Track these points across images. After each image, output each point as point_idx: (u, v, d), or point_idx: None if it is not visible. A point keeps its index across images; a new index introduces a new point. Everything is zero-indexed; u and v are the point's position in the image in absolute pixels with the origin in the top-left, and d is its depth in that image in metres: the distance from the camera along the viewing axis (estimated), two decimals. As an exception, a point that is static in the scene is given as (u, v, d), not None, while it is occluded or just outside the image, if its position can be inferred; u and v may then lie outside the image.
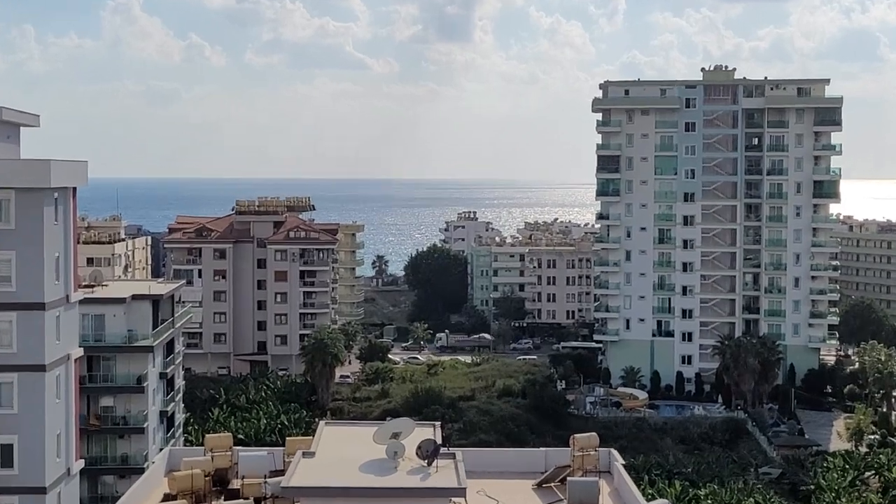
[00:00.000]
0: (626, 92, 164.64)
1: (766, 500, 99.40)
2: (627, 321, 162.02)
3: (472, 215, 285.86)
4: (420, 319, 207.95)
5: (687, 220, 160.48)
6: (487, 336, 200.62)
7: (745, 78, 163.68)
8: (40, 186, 55.05)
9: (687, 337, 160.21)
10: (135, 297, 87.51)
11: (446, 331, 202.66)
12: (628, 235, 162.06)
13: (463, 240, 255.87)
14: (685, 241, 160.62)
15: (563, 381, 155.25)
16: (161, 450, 65.92)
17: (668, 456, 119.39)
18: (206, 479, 34.97)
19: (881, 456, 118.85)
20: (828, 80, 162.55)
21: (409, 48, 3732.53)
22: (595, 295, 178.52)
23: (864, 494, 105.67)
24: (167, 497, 34.05)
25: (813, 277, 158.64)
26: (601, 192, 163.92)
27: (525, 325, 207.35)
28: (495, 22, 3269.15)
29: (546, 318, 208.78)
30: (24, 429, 55.14)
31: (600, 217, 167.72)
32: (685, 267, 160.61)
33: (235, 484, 34.94)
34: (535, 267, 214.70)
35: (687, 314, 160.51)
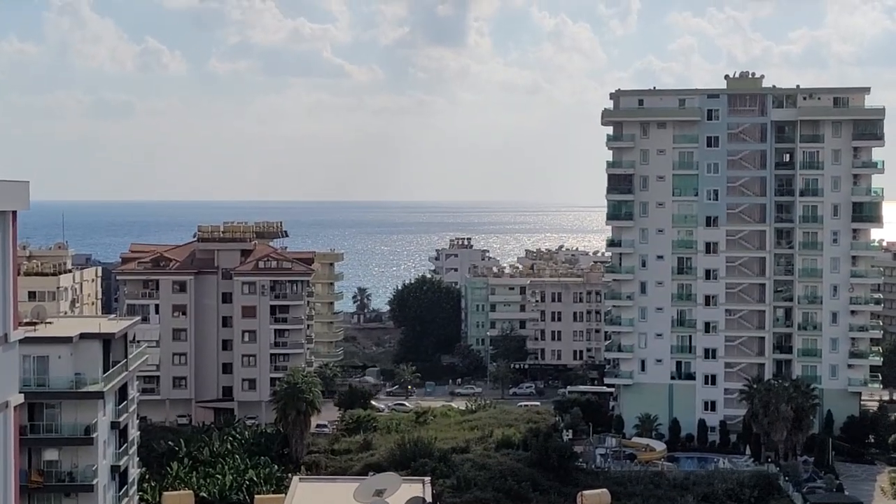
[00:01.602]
0: (641, 102, 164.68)
1: None
2: (643, 362, 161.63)
3: (466, 242, 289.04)
4: (407, 361, 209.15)
5: (709, 248, 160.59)
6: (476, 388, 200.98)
7: (774, 86, 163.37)
8: None
9: (710, 380, 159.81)
10: (83, 336, 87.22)
11: (433, 383, 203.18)
12: (643, 265, 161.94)
13: (456, 270, 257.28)
14: (707, 272, 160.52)
15: (571, 431, 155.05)
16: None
17: None
18: None
19: None
20: (868, 89, 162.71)
21: (395, 53, 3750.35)
22: (606, 332, 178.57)
23: None
24: None
25: (853, 312, 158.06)
26: (612, 216, 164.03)
27: (527, 366, 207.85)
28: (493, 23, 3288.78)
29: (550, 358, 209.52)
30: None
31: (611, 244, 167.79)
32: (708, 300, 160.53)
33: None
34: (537, 301, 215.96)
35: (710, 354, 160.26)
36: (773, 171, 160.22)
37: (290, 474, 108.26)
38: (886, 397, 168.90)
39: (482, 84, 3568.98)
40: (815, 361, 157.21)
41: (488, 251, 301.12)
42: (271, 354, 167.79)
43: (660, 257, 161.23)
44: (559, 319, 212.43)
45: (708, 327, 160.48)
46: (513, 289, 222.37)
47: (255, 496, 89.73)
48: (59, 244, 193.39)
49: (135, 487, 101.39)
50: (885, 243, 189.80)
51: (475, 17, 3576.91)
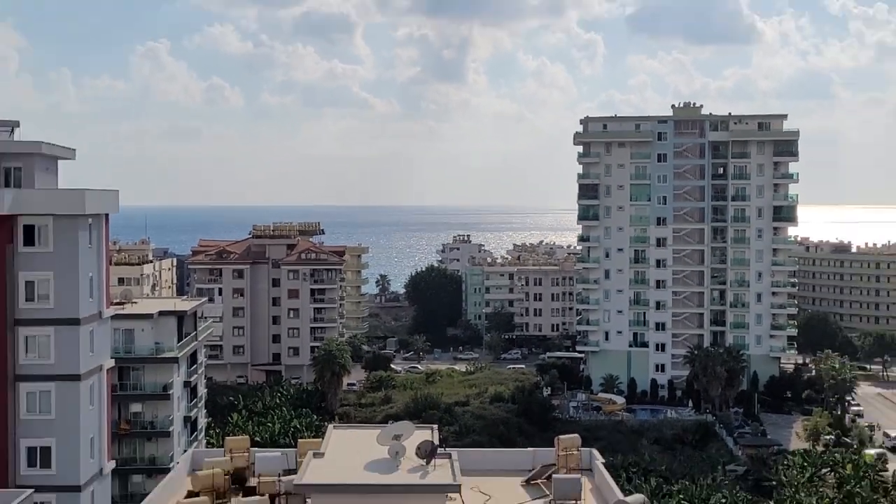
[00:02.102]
0: (605, 126, 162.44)
1: (733, 496, 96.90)
2: (606, 333, 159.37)
3: (465, 238, 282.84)
4: (419, 332, 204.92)
5: (659, 242, 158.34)
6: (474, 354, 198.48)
7: (711, 114, 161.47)
8: (76, 213, 54.03)
9: (660, 347, 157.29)
10: (161, 314, 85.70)
11: (440, 350, 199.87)
12: (607, 256, 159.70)
13: (458, 260, 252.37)
14: (658, 261, 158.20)
15: (549, 388, 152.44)
16: (185, 451, 64.29)
17: (643, 455, 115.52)
18: (226, 477, 33.97)
19: (836, 454, 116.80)
20: (785, 116, 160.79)
21: (410, 89, 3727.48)
22: (577, 310, 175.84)
23: (820, 489, 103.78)
24: (190, 494, 33.14)
25: (773, 293, 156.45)
26: (582, 217, 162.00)
27: (514, 337, 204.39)
28: (487, 65, 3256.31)
29: (533, 330, 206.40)
30: (61, 433, 53.86)
31: (581, 239, 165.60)
32: (658, 284, 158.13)
33: (252, 482, 34.04)
34: (523, 285, 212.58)
35: (660, 327, 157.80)
36: (710, 181, 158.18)
37: (326, 423, 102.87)
38: (800, 361, 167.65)
39: (479, 114, 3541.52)
40: (744, 332, 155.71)
41: (484, 245, 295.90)
42: (311, 328, 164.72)
43: (620, 250, 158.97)
44: (540, 299, 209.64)
45: (658, 305, 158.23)
46: (503, 275, 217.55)
47: (298, 440, 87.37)
48: (142, 240, 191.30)
49: (202, 434, 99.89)
50: (799, 238, 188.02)
51: (473, 60, 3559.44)
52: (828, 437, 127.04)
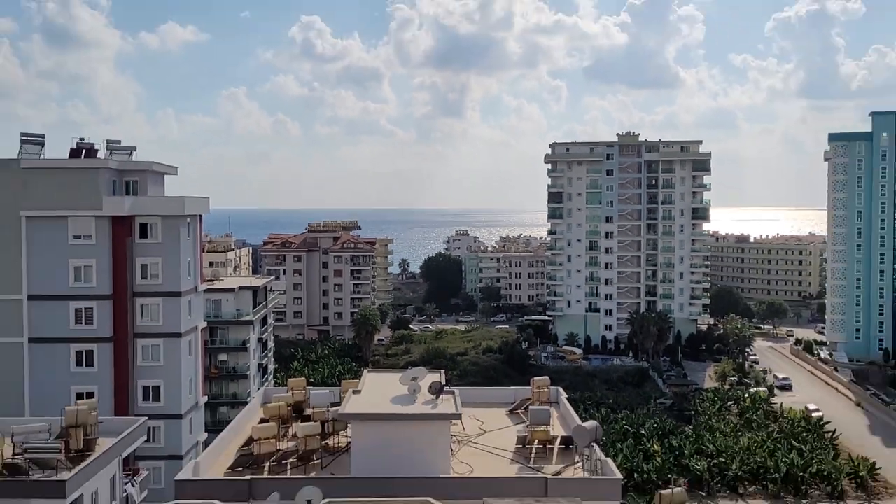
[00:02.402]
0: (567, 150, 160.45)
1: (661, 422, 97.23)
2: (569, 302, 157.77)
3: (465, 232, 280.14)
4: (430, 302, 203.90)
5: (607, 235, 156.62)
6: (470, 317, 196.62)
7: (646, 140, 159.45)
8: (177, 214, 53.94)
9: (608, 312, 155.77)
10: (241, 288, 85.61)
11: (446, 315, 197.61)
12: (569, 245, 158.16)
13: (459, 248, 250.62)
14: (606, 249, 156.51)
15: (527, 343, 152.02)
16: (258, 389, 65.82)
17: (596, 392, 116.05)
18: (288, 408, 33.82)
19: (738, 391, 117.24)
20: (701, 141, 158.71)
21: (423, 122, 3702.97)
22: (547, 285, 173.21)
23: (727, 417, 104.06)
24: (262, 421, 32.89)
25: (692, 272, 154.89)
26: (551, 216, 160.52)
27: (501, 305, 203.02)
28: (481, 104, 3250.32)
29: (514, 300, 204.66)
30: (167, 375, 53.91)
31: (550, 233, 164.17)
32: (607, 266, 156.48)
33: (308, 412, 33.72)
34: (507, 266, 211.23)
35: (608, 297, 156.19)
36: (646, 189, 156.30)
37: (362, 368, 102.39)
38: (712, 322, 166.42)
39: (474, 141, 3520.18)
40: (670, 301, 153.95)
41: (478, 237, 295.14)
42: (351, 298, 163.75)
43: (578, 241, 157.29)
44: (520, 277, 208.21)
45: (607, 281, 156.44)
46: (493, 260, 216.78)
47: (342, 381, 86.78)
48: (226, 234, 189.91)
49: (271, 376, 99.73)
50: (711, 232, 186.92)
51: (470, 100, 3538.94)
52: (732, 378, 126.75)
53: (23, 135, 53.19)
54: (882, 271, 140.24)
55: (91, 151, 55.06)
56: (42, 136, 53.77)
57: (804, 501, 78.02)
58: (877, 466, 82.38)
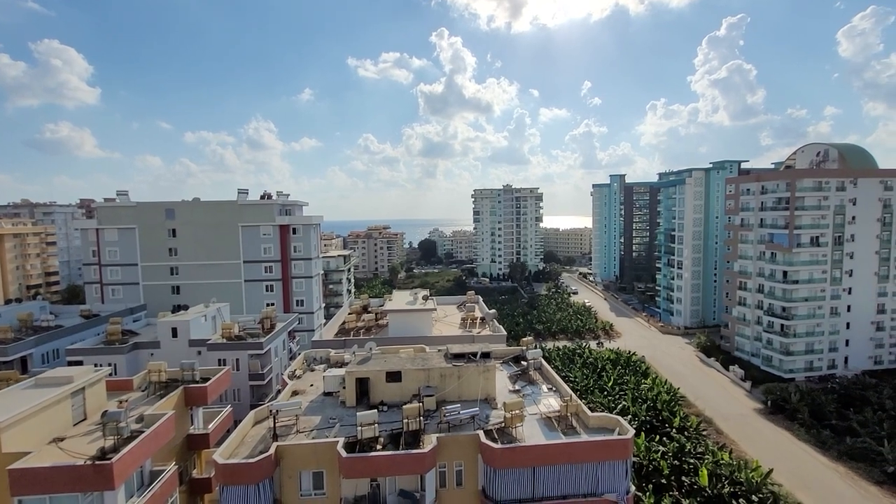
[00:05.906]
0: (481, 191, 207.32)
1: (523, 308, 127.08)
2: (482, 258, 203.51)
3: (437, 230, 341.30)
4: (423, 260, 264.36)
5: (499, 228, 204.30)
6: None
7: (515, 187, 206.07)
8: (310, 223, 76.87)
9: (499, 262, 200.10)
10: (338, 255, 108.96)
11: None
12: (483, 233, 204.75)
13: (435, 235, 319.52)
14: (498, 233, 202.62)
15: (465, 277, 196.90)
16: (347, 299, 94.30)
17: (494, 298, 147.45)
18: (361, 307, 50.70)
19: (555, 295, 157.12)
20: (539, 188, 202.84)
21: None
22: (473, 249, 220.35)
23: (550, 306, 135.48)
24: (350, 313, 50.63)
25: (536, 245, 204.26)
26: (475, 221, 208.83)
27: (453, 260, 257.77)
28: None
29: (459, 258, 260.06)
30: (307, 295, 74.79)
31: (474, 228, 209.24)
32: (498, 241, 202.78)
33: (370, 309, 51.02)
34: (457, 243, 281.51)
35: (499, 254, 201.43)
36: (514, 209, 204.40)
37: (392, 290, 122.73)
38: (544, 266, 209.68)
39: (457, 172, 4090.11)
40: (527, 256, 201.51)
41: (442, 231, 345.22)
42: (387, 259, 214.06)
43: (487, 231, 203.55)
44: (462, 247, 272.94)
45: (498, 248, 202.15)
46: (449, 240, 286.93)
47: (385, 295, 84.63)
48: (330, 233, 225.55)
49: (352, 293, 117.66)
50: (544, 227, 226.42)
51: (439, 171, 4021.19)
52: (552, 290, 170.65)
53: (239, 190, 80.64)
54: (613, 238, 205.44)
55: (268, 196, 79.45)
56: (247, 189, 79.22)
57: (583, 340, 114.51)
58: (612, 325, 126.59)
